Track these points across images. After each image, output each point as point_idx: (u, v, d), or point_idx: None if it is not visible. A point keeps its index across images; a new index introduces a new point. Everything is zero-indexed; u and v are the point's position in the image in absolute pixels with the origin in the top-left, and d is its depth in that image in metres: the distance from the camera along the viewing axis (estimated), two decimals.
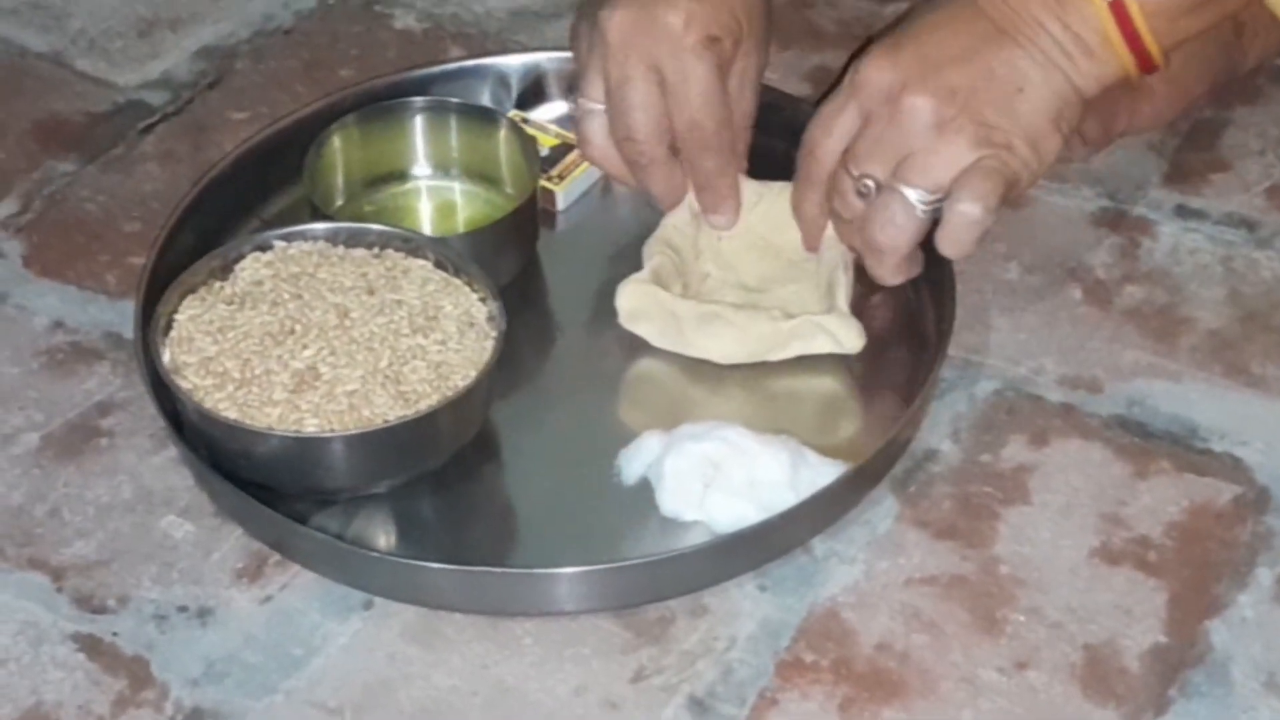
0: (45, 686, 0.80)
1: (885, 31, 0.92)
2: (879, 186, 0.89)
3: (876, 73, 0.88)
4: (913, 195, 0.88)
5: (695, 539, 0.84)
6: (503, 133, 0.98)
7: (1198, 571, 0.84)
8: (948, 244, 0.89)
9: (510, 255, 0.95)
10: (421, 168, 1.00)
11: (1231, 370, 0.92)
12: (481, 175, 0.99)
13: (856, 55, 0.91)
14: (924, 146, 0.87)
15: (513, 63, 1.05)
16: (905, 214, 0.89)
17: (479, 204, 0.99)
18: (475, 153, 0.99)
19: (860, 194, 0.90)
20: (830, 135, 0.90)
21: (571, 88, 1.01)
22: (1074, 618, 0.82)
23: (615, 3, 0.93)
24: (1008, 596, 0.83)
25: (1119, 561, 0.84)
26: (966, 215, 0.87)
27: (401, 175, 1.00)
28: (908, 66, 0.87)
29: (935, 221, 0.89)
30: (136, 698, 0.79)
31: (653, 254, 0.94)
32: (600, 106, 0.95)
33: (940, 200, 0.88)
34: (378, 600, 0.83)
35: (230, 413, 0.83)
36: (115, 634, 0.82)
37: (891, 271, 0.91)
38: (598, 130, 0.96)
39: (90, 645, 0.81)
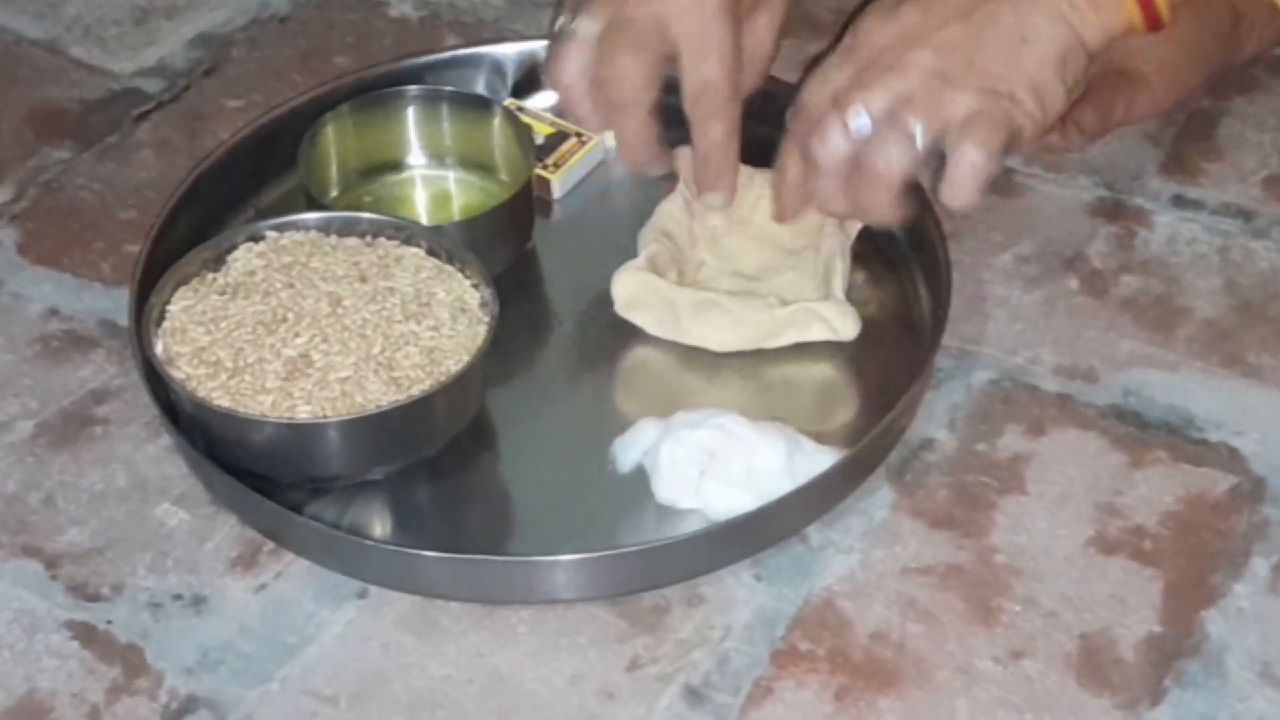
0: (39, 674, 0.80)
1: None
2: (873, 122, 0.86)
3: (877, 28, 0.87)
4: (914, 127, 0.86)
5: (691, 527, 0.84)
6: (497, 121, 0.98)
7: (1193, 561, 0.84)
8: (952, 191, 0.86)
9: (506, 244, 0.95)
10: (416, 157, 1.00)
11: (1228, 360, 0.92)
12: (476, 164, 0.99)
13: (853, 17, 0.89)
14: (929, 93, 0.85)
15: (508, 51, 1.05)
16: (903, 145, 0.86)
17: (474, 193, 0.99)
18: (470, 141, 0.99)
19: (849, 134, 0.87)
20: (824, 90, 0.88)
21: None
22: (1070, 607, 0.82)
23: None
24: (1003, 586, 0.83)
25: (1115, 551, 0.84)
26: (971, 161, 0.85)
27: (396, 164, 0.99)
28: (908, 21, 0.86)
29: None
30: (131, 686, 0.79)
31: (648, 242, 0.94)
32: (595, 29, 0.92)
33: (936, 141, 0.86)
34: (372, 589, 0.83)
35: (223, 402, 0.83)
36: (110, 622, 0.82)
37: (887, 207, 0.88)
38: (574, 56, 0.93)
39: (85, 633, 0.81)
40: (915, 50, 0.86)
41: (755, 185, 0.97)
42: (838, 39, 0.90)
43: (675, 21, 0.90)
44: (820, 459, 0.85)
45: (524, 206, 0.96)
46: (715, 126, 0.92)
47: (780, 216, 0.93)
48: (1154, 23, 0.87)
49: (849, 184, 0.88)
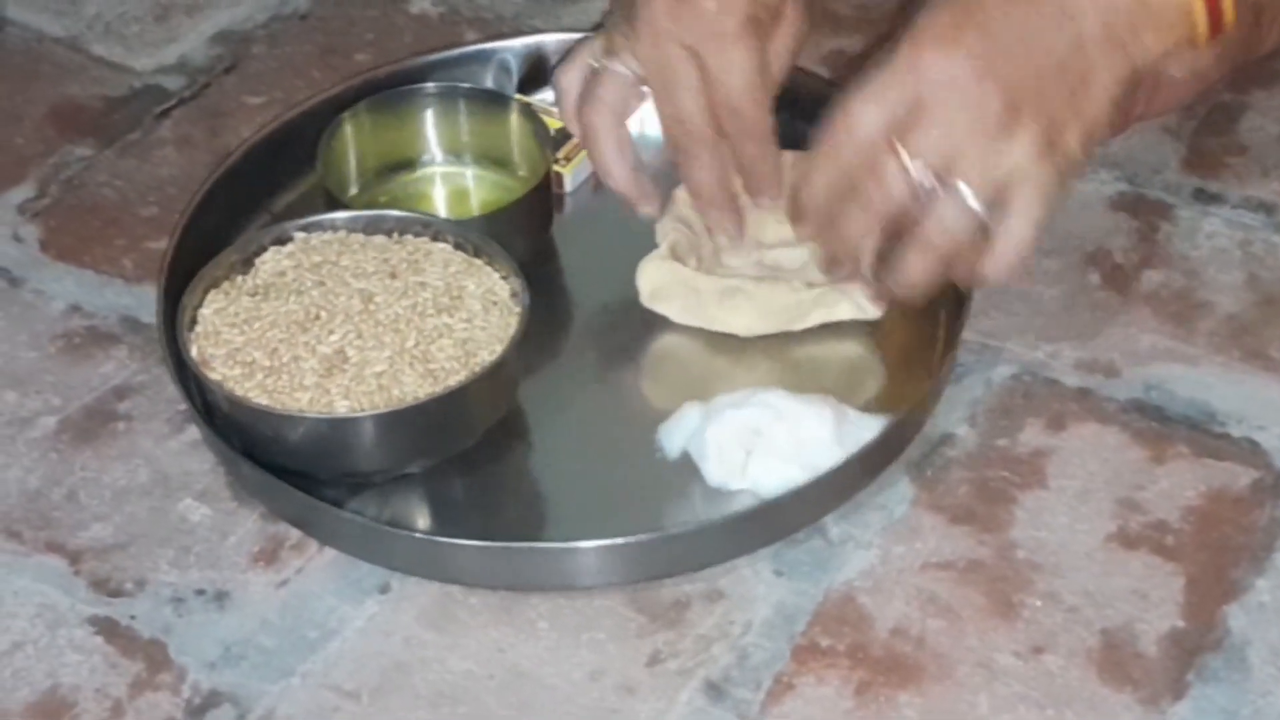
0: (63, 669, 0.80)
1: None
2: (937, 180, 0.81)
3: (942, 55, 0.81)
4: (970, 197, 0.81)
5: (732, 511, 0.84)
6: (514, 116, 0.98)
7: (1215, 556, 0.83)
8: (996, 266, 0.83)
9: (526, 237, 0.95)
10: (433, 154, 1.00)
11: (1249, 355, 0.92)
12: (493, 159, 0.99)
13: (894, 27, 0.86)
14: (989, 142, 0.81)
15: (515, 46, 1.05)
16: (963, 217, 0.82)
17: (492, 188, 0.99)
18: (486, 137, 0.99)
19: (910, 182, 0.82)
20: (875, 112, 0.82)
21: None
22: (1091, 602, 0.82)
23: None
24: (1024, 581, 0.83)
25: (1136, 546, 0.84)
26: (1020, 237, 0.82)
27: (414, 162, 1.00)
28: (974, 50, 0.81)
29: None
30: (154, 680, 0.79)
31: (667, 230, 0.94)
32: (627, 71, 0.92)
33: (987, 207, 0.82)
34: (394, 584, 0.83)
35: (261, 400, 0.83)
36: (132, 617, 0.82)
37: (919, 275, 0.84)
38: (613, 90, 0.92)
39: (107, 628, 0.81)
40: (983, 84, 0.80)
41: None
42: (886, 40, 0.84)
43: (701, 51, 0.89)
44: (867, 425, 0.85)
45: (543, 200, 0.96)
46: (749, 146, 0.91)
47: (796, 223, 0.89)
48: (1218, 29, 0.83)
49: (888, 236, 0.84)
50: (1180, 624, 0.81)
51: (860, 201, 0.83)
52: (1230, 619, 0.81)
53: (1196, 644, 0.80)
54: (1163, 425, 0.89)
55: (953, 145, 0.81)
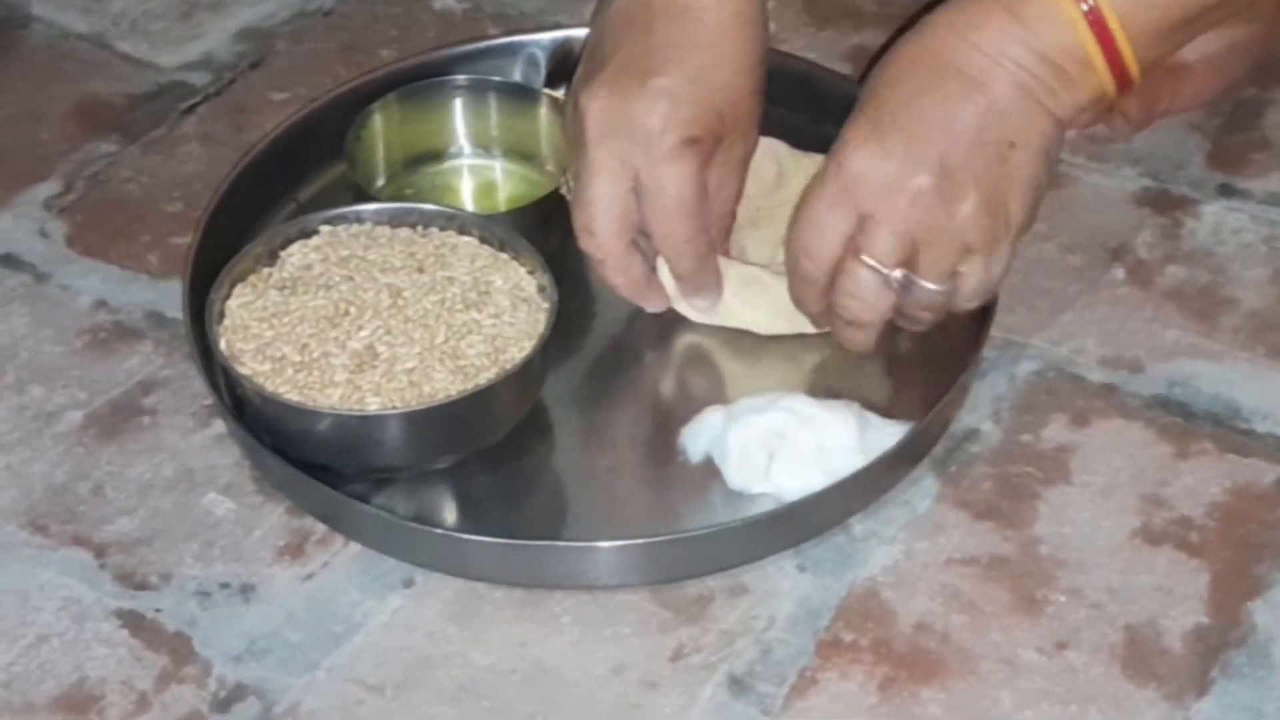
0: (89, 663, 0.80)
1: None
2: (906, 270, 0.85)
3: (870, 165, 0.83)
4: (933, 285, 0.85)
5: (756, 513, 0.84)
6: (542, 110, 0.98)
7: (1239, 552, 0.83)
8: (967, 308, 0.88)
9: (553, 232, 0.95)
10: (462, 146, 1.00)
11: (1274, 351, 0.92)
12: (521, 153, 0.99)
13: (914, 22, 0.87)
14: (939, 228, 0.83)
15: (543, 40, 1.05)
16: (932, 297, 0.86)
17: (519, 182, 0.99)
18: (515, 131, 0.99)
19: (881, 283, 0.85)
20: (825, 237, 0.85)
21: None
22: (1114, 598, 0.82)
23: (596, 89, 0.87)
24: (1048, 577, 0.82)
25: (1160, 542, 0.84)
26: (982, 292, 0.87)
27: (442, 154, 1.00)
28: (899, 152, 0.83)
29: None
30: (179, 674, 0.80)
31: None
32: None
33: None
34: (418, 579, 0.83)
35: (291, 396, 0.84)
36: (158, 611, 0.82)
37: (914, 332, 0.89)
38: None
39: (133, 622, 0.82)
40: (914, 182, 0.83)
41: (802, 173, 0.97)
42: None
43: (637, 167, 0.87)
44: (889, 432, 0.85)
45: None
46: (683, 261, 0.90)
47: (820, 327, 0.91)
48: (1126, 87, 0.84)
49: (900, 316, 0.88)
50: (1204, 620, 0.81)
51: (844, 303, 0.87)
52: (1255, 615, 0.81)
53: (1220, 640, 0.80)
54: (1187, 421, 0.89)
55: (908, 241, 0.84)
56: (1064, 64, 0.83)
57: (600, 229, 0.88)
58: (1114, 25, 0.82)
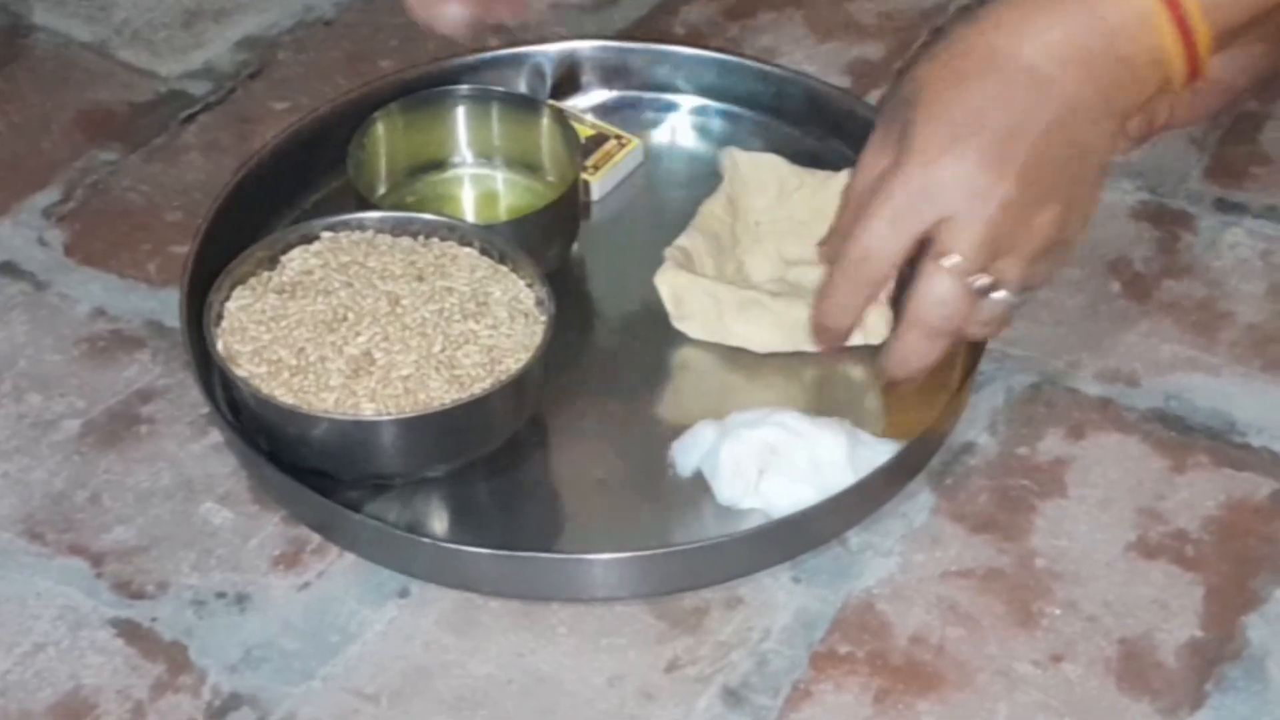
0: (84, 671, 0.80)
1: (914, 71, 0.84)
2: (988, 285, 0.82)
3: (956, 170, 0.80)
4: (1009, 295, 0.83)
5: (752, 526, 0.84)
6: (545, 121, 0.98)
7: (1235, 566, 0.83)
8: (992, 331, 0.86)
9: (553, 244, 0.95)
10: (464, 155, 1.00)
11: (1271, 365, 0.92)
12: (523, 164, 1.00)
13: (917, 34, 0.85)
14: (1015, 241, 0.81)
15: (549, 51, 1.06)
16: (996, 311, 0.84)
17: (521, 192, 0.99)
18: (517, 141, 0.99)
19: (969, 293, 0.82)
20: (896, 240, 0.82)
21: (608, 78, 1.04)
22: (1110, 611, 0.82)
23: None
24: (1044, 590, 0.83)
25: (1156, 555, 0.84)
26: (1022, 301, 0.84)
27: (444, 163, 1.00)
28: (985, 157, 0.80)
29: None
30: (174, 683, 0.80)
31: (683, 242, 0.94)
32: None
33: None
34: (414, 588, 0.83)
35: (287, 399, 0.84)
36: (154, 619, 0.82)
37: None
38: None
39: (129, 630, 0.82)
40: (1002, 188, 0.80)
41: (805, 188, 0.97)
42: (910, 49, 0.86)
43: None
44: (880, 450, 0.85)
45: (571, 207, 0.96)
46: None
47: (824, 346, 0.89)
48: (1191, 80, 0.83)
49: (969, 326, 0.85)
50: (1199, 634, 0.81)
51: (925, 312, 0.83)
52: (1250, 629, 0.81)
53: (1216, 654, 0.80)
54: (1183, 435, 0.89)
55: (991, 249, 0.81)
56: (1136, 62, 0.81)
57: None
58: (1195, 20, 0.80)
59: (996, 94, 0.81)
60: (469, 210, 0.99)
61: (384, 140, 0.98)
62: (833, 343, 0.88)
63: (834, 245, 0.86)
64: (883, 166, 0.83)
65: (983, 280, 0.82)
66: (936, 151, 0.81)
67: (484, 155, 1.00)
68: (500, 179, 1.00)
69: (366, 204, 0.94)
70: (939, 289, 0.82)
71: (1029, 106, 0.81)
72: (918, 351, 0.85)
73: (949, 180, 0.81)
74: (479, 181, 1.00)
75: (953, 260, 0.82)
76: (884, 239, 0.82)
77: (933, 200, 0.81)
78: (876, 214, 0.82)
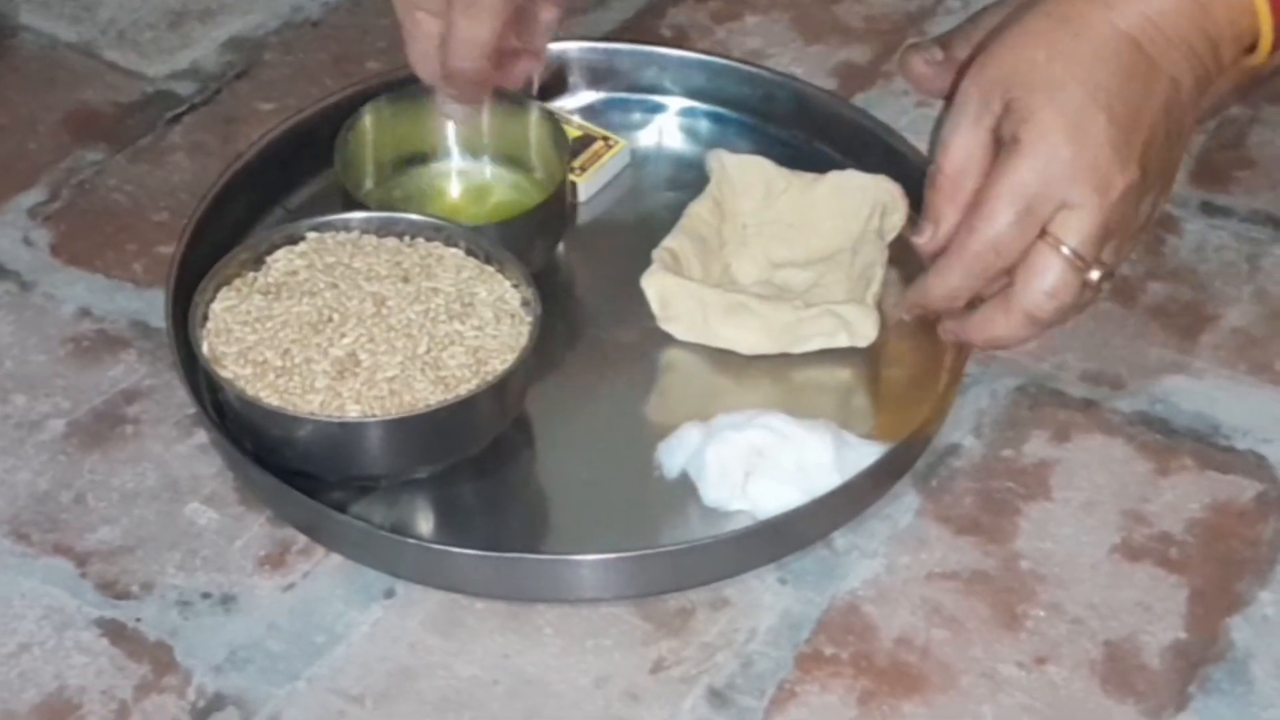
0: (69, 671, 0.80)
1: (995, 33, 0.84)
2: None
3: (1082, 160, 0.79)
4: (1102, 280, 0.83)
5: (738, 528, 0.84)
6: (533, 117, 0.98)
7: (1219, 569, 0.84)
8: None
9: (542, 243, 0.95)
10: (451, 150, 1.00)
11: (1256, 368, 0.92)
12: (511, 160, 1.00)
13: (903, 38, 0.84)
14: (1126, 228, 0.82)
15: None
16: (1088, 298, 0.84)
17: (509, 189, 0.99)
18: (505, 137, 0.99)
19: (1085, 283, 0.83)
20: (1024, 234, 0.81)
21: (595, 79, 1.04)
22: (1095, 614, 0.82)
23: None
24: (1028, 592, 0.83)
25: (1140, 558, 0.84)
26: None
27: (431, 158, 1.00)
28: (1111, 143, 0.79)
29: None
30: (159, 683, 0.80)
31: (669, 244, 0.94)
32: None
33: None
34: (400, 589, 0.83)
35: (272, 401, 0.84)
36: (139, 620, 0.82)
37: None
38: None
39: (114, 631, 0.82)
40: (1127, 179, 0.80)
41: (791, 190, 0.97)
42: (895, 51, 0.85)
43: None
44: (866, 452, 0.85)
45: (559, 206, 0.96)
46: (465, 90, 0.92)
47: (913, 312, 0.89)
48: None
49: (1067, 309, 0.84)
50: (1184, 636, 0.81)
51: (1039, 303, 0.83)
52: (1234, 631, 0.81)
53: (1200, 656, 0.80)
54: (1168, 438, 0.89)
55: (1107, 235, 0.81)
56: (1225, 47, 0.81)
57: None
58: None
59: (1114, 74, 0.80)
60: (457, 205, 0.99)
61: (371, 134, 0.98)
62: (923, 316, 0.87)
63: (933, 230, 0.83)
64: (984, 143, 0.81)
65: (1097, 273, 0.81)
66: (1061, 138, 0.79)
67: (472, 151, 1.00)
68: (488, 174, 1.00)
69: (352, 199, 0.94)
70: (1053, 278, 0.81)
71: (1146, 89, 0.80)
72: (1017, 337, 0.83)
73: (1076, 170, 0.79)
74: (467, 176, 1.00)
75: (1069, 249, 0.80)
76: (1012, 233, 0.81)
77: (1060, 190, 0.80)
78: (1003, 207, 0.80)
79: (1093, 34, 0.81)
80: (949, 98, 0.86)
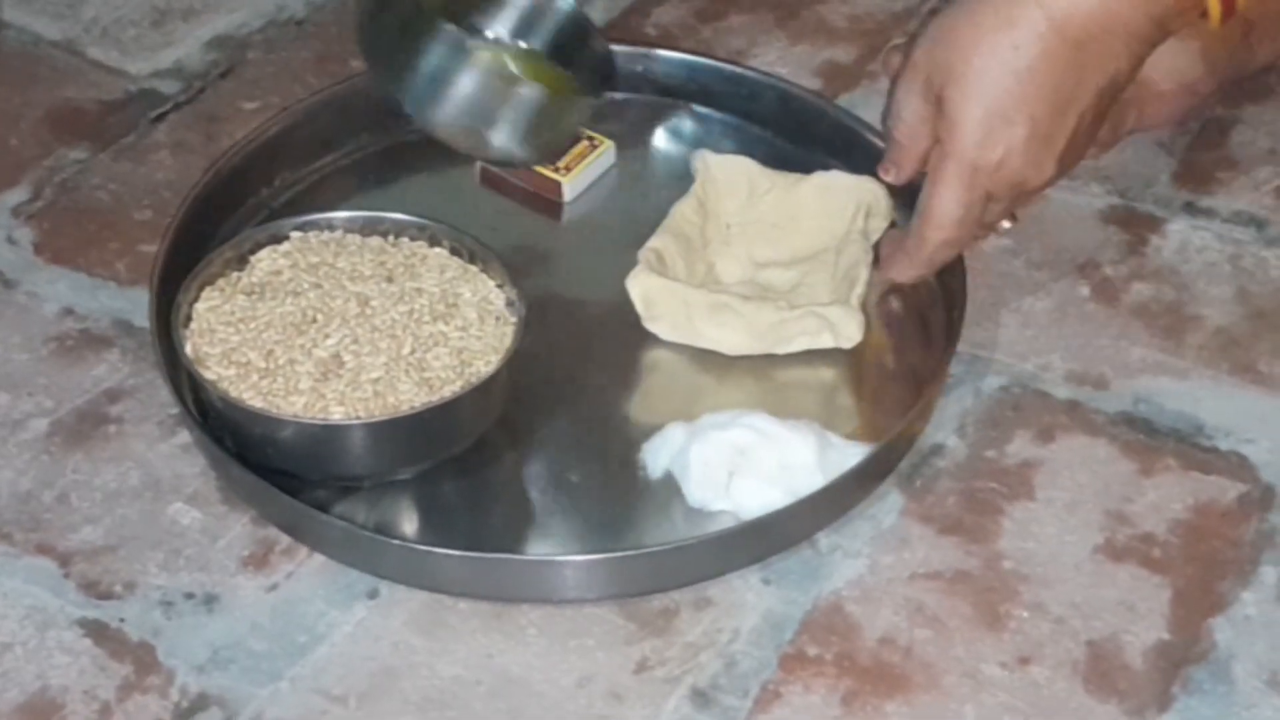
0: (51, 671, 0.80)
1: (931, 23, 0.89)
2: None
3: (1004, 161, 0.87)
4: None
5: (721, 528, 0.84)
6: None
7: (1202, 569, 0.84)
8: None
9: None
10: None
11: (1238, 368, 0.92)
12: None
13: (887, 38, 0.90)
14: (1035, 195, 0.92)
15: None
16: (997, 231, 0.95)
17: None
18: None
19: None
20: (971, 225, 0.90)
21: None
22: (1077, 613, 0.82)
23: None
24: (1011, 592, 0.83)
25: (1123, 558, 0.84)
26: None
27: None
28: (1030, 143, 0.86)
29: None
30: (142, 683, 0.80)
31: (655, 245, 0.94)
32: None
33: None
34: (383, 589, 0.83)
35: (255, 402, 0.84)
36: (122, 620, 0.82)
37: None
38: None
39: (96, 631, 0.82)
40: (1041, 178, 0.89)
41: (775, 190, 0.97)
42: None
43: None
44: (850, 452, 0.85)
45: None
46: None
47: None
48: (1228, 8, 0.86)
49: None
50: (1166, 636, 0.81)
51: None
52: (1216, 632, 0.81)
53: (1182, 656, 0.80)
54: (1151, 438, 0.89)
55: (1011, 210, 0.92)
56: (1172, 22, 0.85)
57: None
58: None
59: (1043, 73, 0.84)
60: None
61: None
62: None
63: (896, 173, 0.92)
64: (928, 115, 0.88)
65: (1005, 226, 0.93)
66: (984, 140, 0.86)
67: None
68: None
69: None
70: (962, 232, 0.90)
71: (1077, 82, 0.85)
72: (926, 272, 0.92)
73: (999, 175, 0.87)
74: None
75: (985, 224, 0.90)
76: (959, 232, 0.89)
77: (984, 186, 0.88)
78: (947, 215, 0.89)
79: (1025, 25, 0.84)
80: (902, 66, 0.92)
